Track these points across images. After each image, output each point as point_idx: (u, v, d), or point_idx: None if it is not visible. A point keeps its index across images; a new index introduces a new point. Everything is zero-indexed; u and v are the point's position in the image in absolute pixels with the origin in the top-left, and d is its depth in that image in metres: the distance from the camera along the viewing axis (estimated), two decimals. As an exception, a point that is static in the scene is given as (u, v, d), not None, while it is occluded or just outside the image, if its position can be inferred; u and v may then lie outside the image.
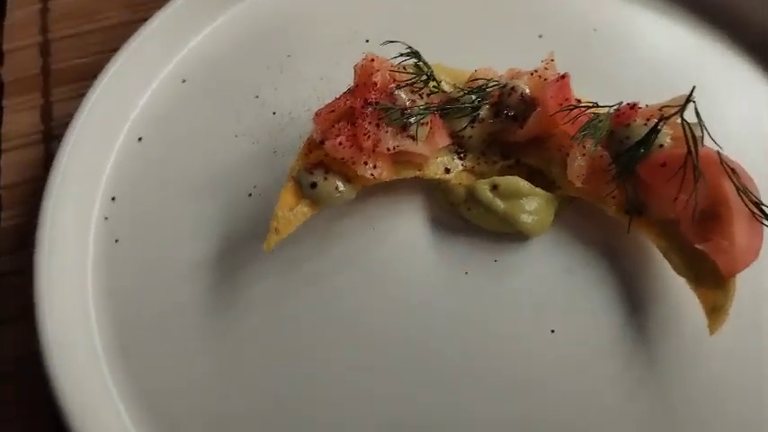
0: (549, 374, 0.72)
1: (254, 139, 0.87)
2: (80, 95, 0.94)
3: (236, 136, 0.87)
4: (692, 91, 0.71)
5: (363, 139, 0.72)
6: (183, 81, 0.93)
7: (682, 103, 0.73)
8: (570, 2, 1.00)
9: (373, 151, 0.73)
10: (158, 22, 0.92)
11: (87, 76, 0.98)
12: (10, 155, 0.93)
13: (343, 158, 0.72)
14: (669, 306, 0.74)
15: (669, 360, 0.72)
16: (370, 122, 0.73)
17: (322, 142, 0.73)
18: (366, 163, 0.73)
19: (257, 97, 0.91)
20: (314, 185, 0.73)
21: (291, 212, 0.72)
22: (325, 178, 0.73)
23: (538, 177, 0.80)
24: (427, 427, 0.70)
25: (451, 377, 0.72)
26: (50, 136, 0.94)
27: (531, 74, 0.82)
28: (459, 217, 0.80)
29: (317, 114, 0.74)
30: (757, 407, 0.70)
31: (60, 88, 0.99)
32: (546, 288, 0.76)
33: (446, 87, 0.83)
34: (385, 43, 0.81)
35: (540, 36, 0.97)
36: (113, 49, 0.98)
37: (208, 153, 0.86)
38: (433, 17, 0.98)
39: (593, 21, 0.99)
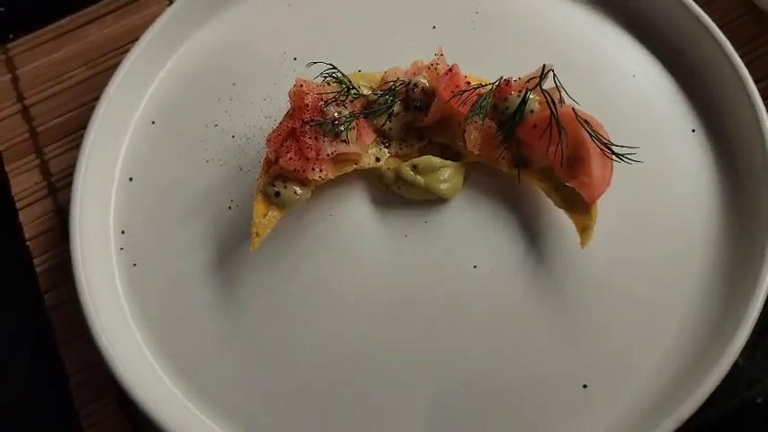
0: (475, 300, 0.94)
1: (221, 161, 1.07)
2: (71, 149, 1.14)
3: (206, 161, 1.07)
4: (544, 67, 0.94)
5: (307, 152, 0.93)
6: (153, 123, 1.12)
7: (544, 73, 0.96)
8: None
9: (317, 159, 0.93)
10: (122, 76, 1.09)
11: (71, 130, 1.16)
12: (25, 212, 1.11)
13: (295, 169, 0.94)
14: (555, 231, 0.97)
15: (560, 271, 0.95)
16: (309, 137, 0.94)
17: (276, 160, 0.94)
18: (314, 169, 0.94)
19: (216, 125, 1.10)
20: (278, 194, 0.94)
21: (265, 218, 0.93)
22: (285, 187, 0.95)
23: (447, 152, 1.02)
24: (393, 353, 0.93)
25: (403, 316, 0.94)
26: (54, 189, 1.12)
27: (429, 67, 1.03)
28: (394, 194, 1.01)
29: (268, 139, 0.95)
30: (623, 291, 0.95)
31: (50, 146, 1.15)
32: (466, 236, 0.98)
33: (365, 91, 1.03)
34: (309, 65, 1.02)
35: (434, 27, 1.17)
36: (87, 102, 1.18)
37: (188, 180, 1.05)
38: (345, 28, 1.17)
39: (475, 4, 1.19)
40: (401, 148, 1.03)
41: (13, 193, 1.13)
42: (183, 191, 1.05)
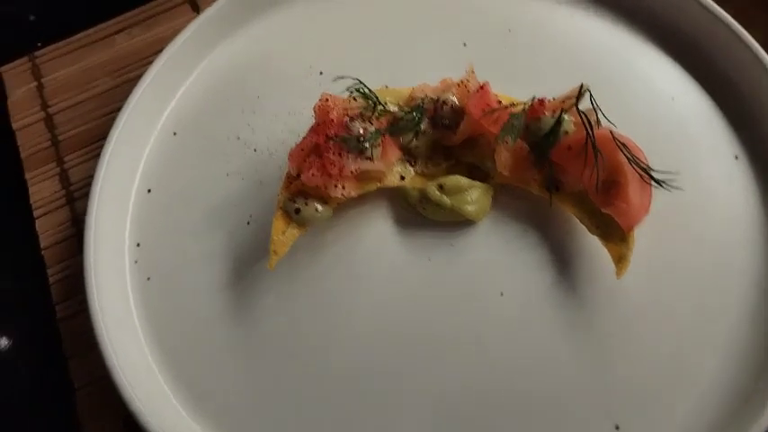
0: (501, 329, 0.89)
1: (242, 175, 1.04)
2: (91, 158, 1.12)
3: (227, 175, 1.05)
4: (581, 87, 0.90)
5: (330, 168, 0.90)
6: (174, 134, 1.10)
7: (581, 93, 0.92)
8: (486, 8, 1.17)
9: (340, 175, 0.90)
10: (144, 86, 1.08)
11: (93, 140, 1.15)
12: (42, 221, 1.09)
13: (317, 186, 0.90)
14: (587, 260, 0.92)
15: (592, 301, 0.90)
16: (333, 153, 0.90)
17: (298, 175, 0.91)
18: (336, 186, 0.90)
19: (239, 139, 1.08)
20: (298, 211, 0.91)
21: (284, 235, 0.90)
22: (306, 203, 0.91)
23: (475, 172, 0.98)
24: (411, 383, 0.88)
25: (424, 344, 0.89)
26: (72, 198, 1.10)
27: (459, 85, 1.00)
28: (418, 215, 0.97)
29: (290, 154, 0.92)
30: (659, 326, 0.89)
31: (71, 155, 1.14)
32: (493, 261, 0.94)
33: (391, 107, 1.00)
34: (336, 79, 0.99)
35: (465, 44, 1.14)
36: (109, 113, 1.17)
37: (207, 193, 1.03)
38: (373, 42, 1.14)
39: (508, 22, 1.16)
40: (427, 167, 0.99)
41: (31, 201, 1.11)
42: (201, 204, 1.03)
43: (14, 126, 1.19)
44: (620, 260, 0.87)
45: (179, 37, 1.12)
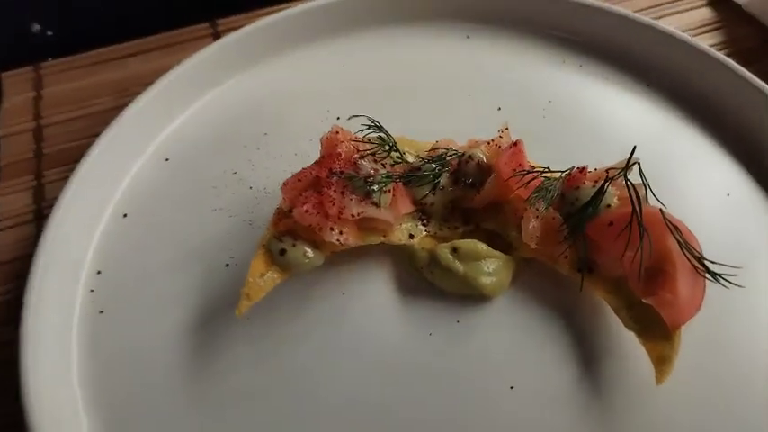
0: (507, 429, 0.74)
1: (231, 212, 0.92)
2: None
3: (214, 210, 0.92)
4: (633, 151, 0.77)
5: (329, 206, 0.77)
6: (167, 160, 0.99)
7: (630, 163, 0.79)
8: (528, 77, 1.08)
9: (339, 218, 0.77)
10: (142, 105, 0.99)
11: (78, 158, 1.02)
12: (4, 234, 0.97)
13: (310, 225, 0.76)
14: (619, 359, 0.77)
15: (621, 410, 0.74)
16: (335, 190, 0.78)
17: (290, 211, 0.78)
18: (332, 229, 0.77)
19: (235, 173, 0.97)
20: (283, 252, 0.77)
21: (262, 279, 0.76)
22: (294, 245, 0.78)
23: (496, 241, 0.84)
24: None
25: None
26: (41, 215, 0.98)
27: (488, 143, 0.88)
28: (424, 280, 0.83)
29: (284, 184, 0.79)
30: None
31: (52, 170, 1.04)
32: (505, 347, 0.79)
33: (410, 158, 0.88)
34: (351, 117, 0.88)
35: (499, 109, 1.04)
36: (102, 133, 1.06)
37: (188, 227, 0.91)
38: (399, 94, 1.05)
39: (550, 93, 1.06)
40: (441, 229, 0.86)
41: (-1, 212, 0.99)
42: (179, 238, 0.90)
43: (1, 133, 1.09)
44: (660, 362, 0.72)
45: (188, 61, 1.04)
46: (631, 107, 1.05)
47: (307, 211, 0.76)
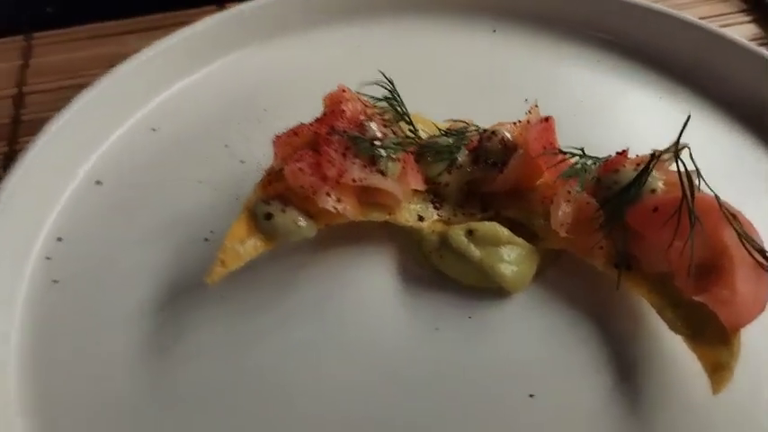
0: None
1: (217, 186, 0.81)
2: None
3: (199, 182, 0.82)
4: (685, 126, 0.65)
5: (327, 167, 0.65)
6: (153, 130, 0.89)
7: (673, 151, 0.68)
8: (557, 74, 0.99)
9: (337, 182, 0.66)
10: (130, 70, 0.91)
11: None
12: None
13: (302, 187, 0.65)
14: (663, 368, 0.65)
15: (664, 427, 0.61)
16: (335, 150, 0.67)
17: (282, 170, 0.67)
18: (329, 195, 0.66)
19: (227, 146, 0.87)
20: (269, 217, 0.66)
21: (242, 245, 0.64)
22: (283, 211, 0.66)
23: (520, 231, 0.73)
24: None
25: None
26: (8, 181, 0.89)
27: (515, 123, 0.78)
28: (434, 269, 0.72)
29: (277, 137, 0.69)
30: None
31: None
32: (525, 349, 0.67)
33: (423, 135, 0.78)
34: (362, 85, 0.77)
35: (526, 100, 0.93)
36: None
37: (168, 198, 0.80)
38: (417, 82, 0.92)
39: (580, 92, 0.96)
40: (455, 215, 0.75)
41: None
42: (156, 209, 0.80)
43: (-21, 97, 1.01)
44: (716, 370, 0.60)
45: (187, 29, 0.96)
46: (671, 113, 0.94)
47: (301, 169, 0.65)
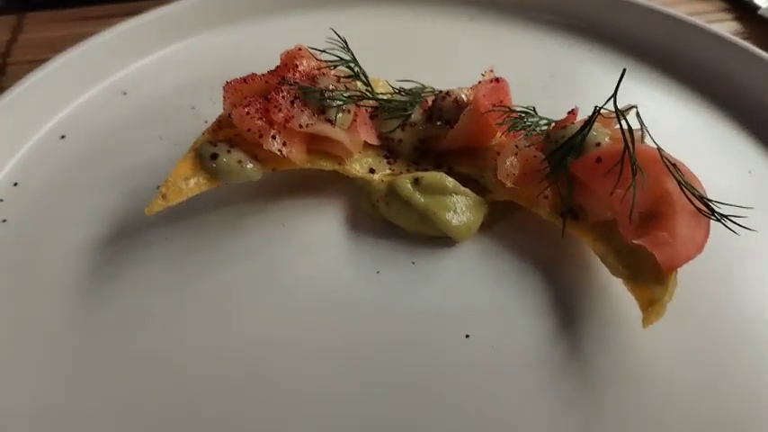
0: (463, 380, 0.59)
1: (177, 142, 0.82)
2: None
3: (160, 138, 0.83)
4: (623, 75, 0.65)
5: (274, 112, 0.66)
6: (124, 93, 0.91)
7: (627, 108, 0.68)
8: (529, 54, 1.00)
9: (284, 126, 0.66)
10: (106, 39, 0.94)
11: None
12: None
13: (250, 130, 0.66)
14: (603, 309, 0.63)
15: (605, 366, 0.59)
16: (284, 97, 0.67)
17: (230, 116, 0.68)
18: (275, 138, 0.66)
19: (193, 108, 0.88)
20: (214, 157, 0.66)
21: (185, 182, 0.65)
22: (229, 152, 0.67)
23: (472, 187, 0.72)
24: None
25: (351, 382, 0.59)
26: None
27: (472, 87, 0.78)
28: (381, 219, 0.71)
29: (227, 84, 0.70)
30: (698, 406, 0.58)
31: None
32: (466, 293, 0.66)
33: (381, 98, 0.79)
34: (323, 51, 0.78)
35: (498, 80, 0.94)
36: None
37: (127, 150, 0.82)
38: (391, 62, 0.93)
39: (551, 68, 0.97)
40: (408, 171, 0.74)
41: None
42: (114, 160, 0.81)
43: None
44: (650, 305, 0.58)
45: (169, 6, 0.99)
46: (653, 97, 0.94)
47: (248, 113, 0.66)
